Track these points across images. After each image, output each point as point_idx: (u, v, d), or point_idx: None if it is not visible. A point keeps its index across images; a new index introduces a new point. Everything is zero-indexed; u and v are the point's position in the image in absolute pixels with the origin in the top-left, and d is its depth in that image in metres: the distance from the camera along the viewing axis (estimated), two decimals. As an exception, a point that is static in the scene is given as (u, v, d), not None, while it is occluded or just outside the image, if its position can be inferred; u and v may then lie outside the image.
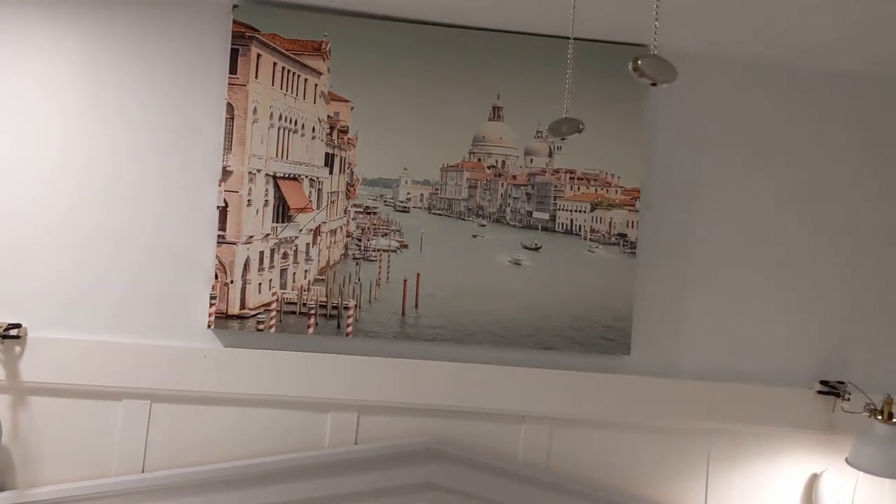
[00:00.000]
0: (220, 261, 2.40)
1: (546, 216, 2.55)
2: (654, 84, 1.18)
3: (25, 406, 2.32)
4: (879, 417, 2.34)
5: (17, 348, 2.31)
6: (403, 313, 2.46)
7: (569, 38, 2.49)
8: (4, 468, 2.29)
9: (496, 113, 2.51)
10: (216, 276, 2.40)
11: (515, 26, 2.48)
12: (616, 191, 2.53)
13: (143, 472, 2.34)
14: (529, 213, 2.55)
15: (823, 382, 2.55)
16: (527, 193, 2.56)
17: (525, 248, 2.52)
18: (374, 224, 2.50)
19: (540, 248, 2.53)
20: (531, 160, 2.56)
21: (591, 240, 2.53)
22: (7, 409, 2.30)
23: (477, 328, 2.47)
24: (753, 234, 2.62)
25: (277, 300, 2.43)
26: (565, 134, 1.38)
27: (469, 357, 2.48)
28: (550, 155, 2.55)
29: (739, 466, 2.53)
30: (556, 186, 2.55)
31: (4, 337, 2.28)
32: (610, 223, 2.54)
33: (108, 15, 2.43)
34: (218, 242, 2.40)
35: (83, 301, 2.38)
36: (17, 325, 2.30)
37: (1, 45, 2.39)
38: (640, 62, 1.16)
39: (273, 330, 2.42)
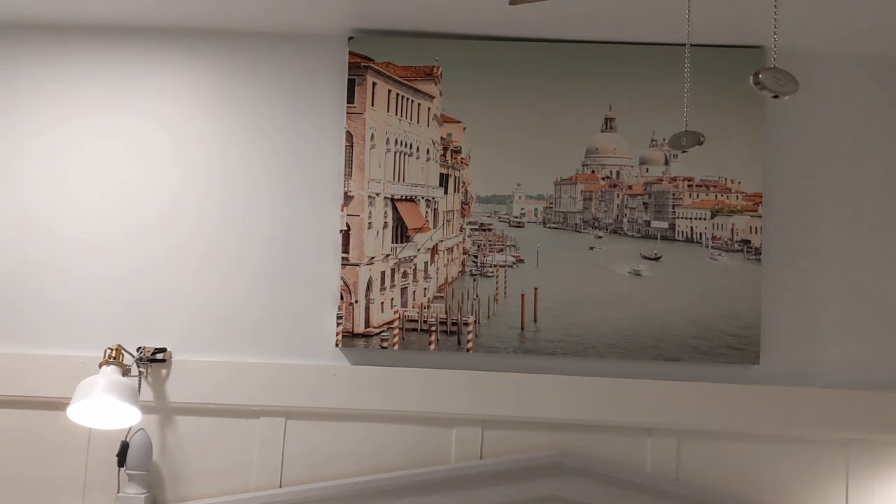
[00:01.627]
0: (344, 282, 2.50)
1: (665, 225, 2.52)
2: (776, 96, 1.16)
3: (172, 425, 2.48)
4: None
5: (164, 371, 2.47)
6: (522, 327, 2.48)
7: (678, 45, 2.46)
8: (155, 484, 2.44)
9: (608, 124, 2.51)
10: (342, 297, 2.49)
11: (625, 36, 2.47)
12: (737, 196, 2.48)
13: (280, 486, 2.45)
14: (647, 223, 2.53)
15: (971, 388, 2.41)
16: (644, 203, 2.54)
17: (644, 258, 2.50)
18: (490, 240, 2.53)
19: (660, 257, 2.50)
20: (647, 169, 2.54)
21: (712, 247, 2.49)
22: (156, 428, 2.46)
23: (597, 341, 2.46)
24: (885, 233, 2.50)
25: (399, 318, 2.50)
26: (686, 147, 1.38)
27: (590, 370, 2.47)
28: (667, 163, 2.53)
29: (880, 477, 2.41)
30: (673, 194, 2.52)
31: (152, 361, 2.44)
32: (732, 230, 2.48)
33: (231, 52, 2.58)
34: (342, 264, 2.50)
35: (221, 325, 2.52)
36: (163, 350, 2.47)
37: (135, 86, 2.58)
38: (760, 76, 1.14)
39: (396, 347, 2.49)
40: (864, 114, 2.54)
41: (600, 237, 2.53)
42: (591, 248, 2.52)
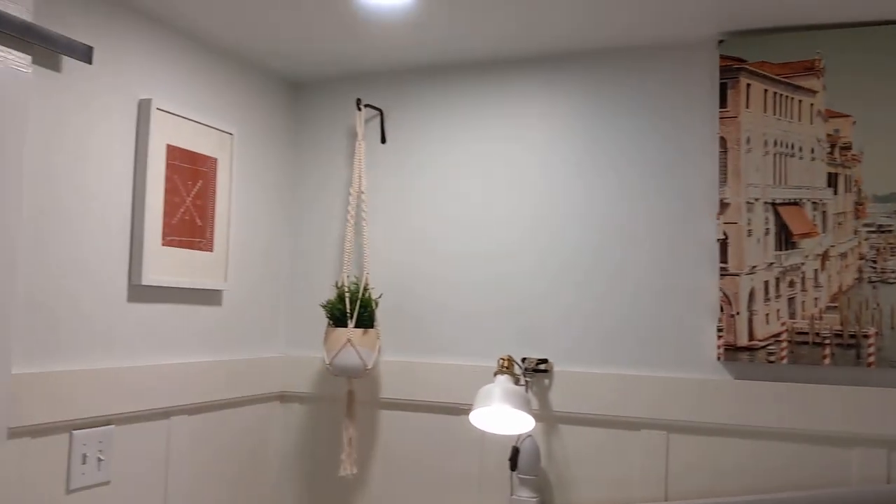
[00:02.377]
0: (724, 293, 2.42)
1: None
2: None
3: (557, 433, 2.59)
4: None
5: (546, 381, 2.60)
6: (938, 340, 2.20)
7: None
8: (544, 488, 2.57)
9: None
10: (721, 309, 2.42)
11: None
12: None
13: (665, 500, 2.44)
14: None
15: None
16: None
17: None
18: (891, 243, 2.29)
19: None
20: None
21: None
22: (542, 435, 2.59)
23: None
24: None
25: (787, 330, 2.36)
26: None
27: None
28: None
29: None
30: None
31: (535, 371, 2.58)
32: None
33: (595, 71, 2.64)
34: (721, 275, 2.43)
35: (598, 336, 2.58)
36: (545, 360, 2.59)
37: (507, 114, 2.75)
38: None
39: (784, 361, 2.35)
40: None
41: None
42: None
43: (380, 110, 2.93)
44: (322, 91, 3.04)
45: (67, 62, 2.14)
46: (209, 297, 2.65)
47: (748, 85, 2.42)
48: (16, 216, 1.98)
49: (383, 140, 2.92)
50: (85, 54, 2.13)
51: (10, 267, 1.97)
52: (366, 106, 2.91)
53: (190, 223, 2.52)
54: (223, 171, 2.66)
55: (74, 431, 2.18)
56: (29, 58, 2.01)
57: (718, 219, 2.44)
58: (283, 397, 2.99)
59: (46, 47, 2.03)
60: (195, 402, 2.56)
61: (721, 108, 2.45)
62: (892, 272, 2.28)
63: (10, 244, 1.97)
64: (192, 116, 2.52)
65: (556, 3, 2.26)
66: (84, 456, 2.20)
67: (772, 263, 2.39)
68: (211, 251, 2.61)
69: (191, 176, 2.52)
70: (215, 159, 2.63)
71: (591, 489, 2.54)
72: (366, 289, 2.71)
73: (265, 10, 2.35)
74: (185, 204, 2.50)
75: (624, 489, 2.50)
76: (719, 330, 2.42)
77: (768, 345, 2.37)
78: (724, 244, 2.43)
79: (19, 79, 1.98)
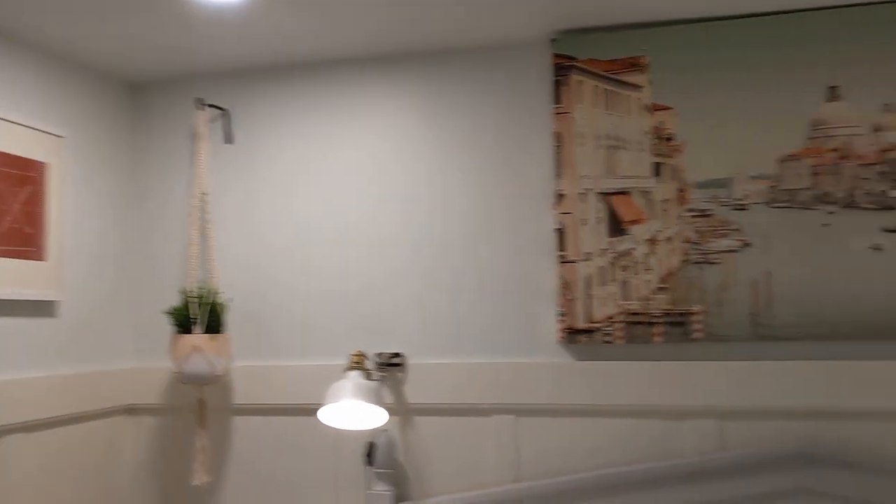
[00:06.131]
0: (563, 279, 2.53)
1: (906, 193, 2.32)
2: None
3: (413, 425, 2.63)
4: None
5: (400, 374, 2.63)
6: (755, 314, 2.38)
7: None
8: (402, 482, 2.60)
9: (833, 93, 2.36)
10: (562, 294, 2.53)
11: (843, -2, 2.32)
12: None
13: (516, 482, 2.52)
14: (883, 193, 2.34)
15: None
16: (879, 172, 2.35)
17: (887, 230, 2.32)
18: (712, 226, 2.46)
19: (904, 228, 2.31)
20: (881, 136, 2.35)
21: (967, 212, 2.26)
22: (399, 428, 2.62)
23: (839, 322, 2.31)
24: None
25: (621, 312, 2.49)
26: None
27: (833, 354, 2.33)
28: (905, 127, 2.33)
29: None
30: (915, 159, 2.32)
31: (389, 365, 2.60)
32: None
33: (437, 70, 2.70)
34: (560, 262, 2.53)
35: (449, 328, 2.64)
36: (398, 354, 2.62)
37: (355, 114, 2.77)
38: None
39: (620, 341, 2.48)
40: None
41: (832, 213, 2.38)
42: (824, 226, 2.38)
43: (225, 110, 2.88)
44: (163, 92, 2.96)
45: None
46: (42, 308, 2.52)
47: (579, 82, 2.54)
48: None
49: (229, 140, 2.88)
50: None
51: None
52: (210, 106, 2.86)
53: (18, 231, 2.39)
54: (55, 176, 2.54)
55: None
56: None
57: (555, 209, 2.55)
58: (132, 410, 2.88)
59: None
60: (33, 419, 2.43)
61: (555, 104, 2.56)
62: (715, 253, 2.45)
63: None
64: (17, 119, 2.40)
65: (383, 4, 2.29)
66: None
67: (605, 249, 2.52)
68: (44, 260, 2.49)
69: (18, 182, 2.40)
70: (45, 164, 2.51)
71: (446, 477, 2.59)
72: (213, 293, 2.65)
73: (93, 7, 2.27)
74: (12, 211, 2.37)
75: (477, 474, 2.56)
76: (560, 315, 2.53)
77: (605, 327, 2.50)
78: (561, 233, 2.54)
79: None
